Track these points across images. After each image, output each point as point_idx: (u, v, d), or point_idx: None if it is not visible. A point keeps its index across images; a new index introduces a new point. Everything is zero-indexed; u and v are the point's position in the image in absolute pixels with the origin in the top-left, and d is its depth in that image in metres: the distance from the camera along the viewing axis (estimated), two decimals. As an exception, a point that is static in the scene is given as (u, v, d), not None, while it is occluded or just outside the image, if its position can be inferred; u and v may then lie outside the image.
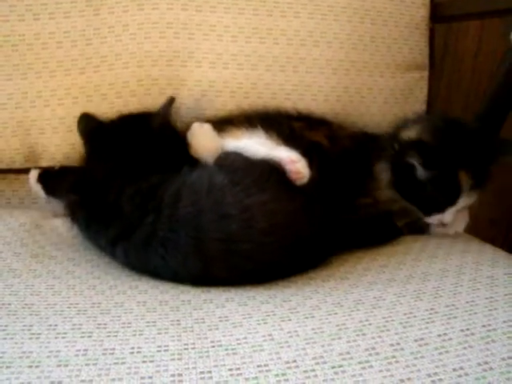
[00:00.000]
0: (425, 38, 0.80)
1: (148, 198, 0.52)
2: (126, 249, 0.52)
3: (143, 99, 0.71)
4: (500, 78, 0.67)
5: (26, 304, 0.45)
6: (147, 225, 0.50)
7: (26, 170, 0.72)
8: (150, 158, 0.58)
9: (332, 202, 0.61)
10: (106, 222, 0.53)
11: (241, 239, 0.50)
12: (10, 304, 0.45)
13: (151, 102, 0.71)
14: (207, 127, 0.59)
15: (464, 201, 0.61)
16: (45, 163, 0.71)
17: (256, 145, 0.56)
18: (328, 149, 0.67)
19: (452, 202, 0.61)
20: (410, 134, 0.63)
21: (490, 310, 0.43)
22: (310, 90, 0.74)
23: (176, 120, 0.72)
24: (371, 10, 0.75)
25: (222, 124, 0.64)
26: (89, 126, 0.61)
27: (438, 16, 0.80)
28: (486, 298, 0.45)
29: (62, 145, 0.70)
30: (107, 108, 0.70)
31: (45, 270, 0.52)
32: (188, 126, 0.62)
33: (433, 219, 0.63)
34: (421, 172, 0.59)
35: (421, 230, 0.67)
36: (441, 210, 0.62)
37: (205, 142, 0.58)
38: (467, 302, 0.45)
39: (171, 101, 0.65)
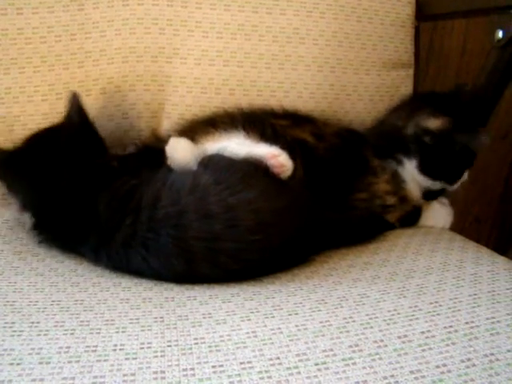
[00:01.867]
0: (410, 36, 0.80)
1: (125, 200, 0.51)
2: (108, 254, 0.51)
3: (128, 95, 0.70)
4: (483, 78, 0.68)
5: (7, 301, 0.44)
6: (126, 227, 0.50)
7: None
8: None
9: (321, 199, 0.61)
10: (81, 233, 0.52)
11: (225, 238, 0.49)
12: (-10, 302, 0.44)
13: (136, 98, 0.71)
14: (184, 142, 0.59)
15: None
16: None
17: (236, 145, 0.56)
18: (314, 146, 0.67)
19: (472, 162, 0.67)
20: (436, 124, 0.64)
21: (473, 307, 0.44)
22: (296, 87, 0.74)
23: (161, 116, 0.72)
24: (357, 7, 0.76)
25: (205, 125, 0.64)
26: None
27: (423, 14, 0.81)
28: (470, 296, 0.46)
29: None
30: (92, 104, 0.69)
31: (27, 267, 0.52)
32: (168, 137, 0.62)
33: (456, 185, 0.68)
34: (479, 139, 0.64)
35: (412, 222, 0.69)
36: (462, 174, 0.68)
37: (183, 155, 0.58)
38: (450, 299, 0.45)
39: (75, 97, 0.61)
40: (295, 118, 0.71)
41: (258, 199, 0.52)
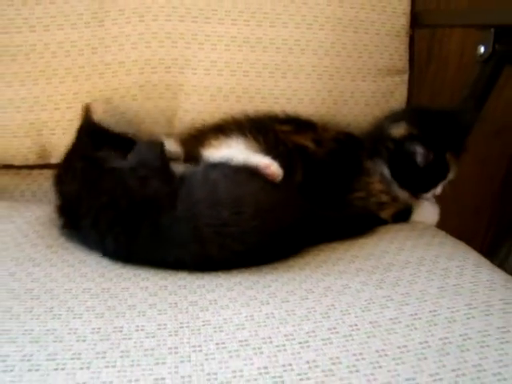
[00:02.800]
0: (405, 44, 0.86)
1: (145, 201, 0.59)
2: (131, 251, 0.59)
3: (144, 103, 0.78)
4: (467, 90, 0.74)
5: (46, 289, 0.53)
6: (148, 226, 0.58)
7: (38, 166, 0.80)
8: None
9: (322, 198, 0.70)
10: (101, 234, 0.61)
11: (231, 224, 0.58)
12: (32, 289, 0.53)
13: (151, 105, 0.78)
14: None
15: (451, 174, 0.72)
16: (55, 160, 0.79)
17: (236, 154, 0.64)
18: (314, 151, 0.75)
19: (444, 177, 0.72)
20: (399, 131, 0.71)
21: (438, 298, 0.51)
22: (297, 94, 0.81)
23: (175, 121, 0.80)
24: (354, 19, 0.82)
25: (214, 132, 0.72)
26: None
27: (418, 23, 0.86)
28: (437, 288, 0.53)
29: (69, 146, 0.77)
30: (112, 111, 0.77)
31: (60, 259, 0.60)
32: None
33: (430, 194, 0.74)
34: (421, 159, 0.69)
35: (404, 218, 0.76)
36: (435, 185, 0.73)
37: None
38: (420, 291, 0.52)
39: (86, 109, 0.71)
40: (297, 124, 0.78)
41: (258, 192, 0.62)
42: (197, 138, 0.74)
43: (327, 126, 0.81)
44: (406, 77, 0.87)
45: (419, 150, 0.67)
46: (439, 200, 0.80)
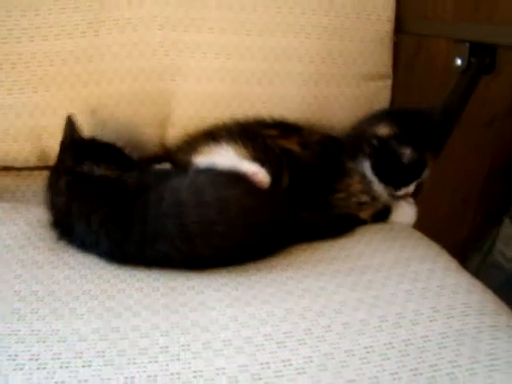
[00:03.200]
0: (388, 50, 0.89)
1: (133, 208, 0.64)
2: (123, 252, 0.64)
3: (138, 108, 0.82)
4: (445, 98, 0.78)
5: (50, 291, 0.58)
6: (138, 228, 0.63)
7: (38, 168, 0.84)
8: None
9: (306, 200, 0.75)
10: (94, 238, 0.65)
11: (217, 222, 0.63)
12: (37, 291, 0.58)
13: (145, 110, 0.83)
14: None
15: (426, 173, 0.76)
16: (53, 162, 0.83)
17: (225, 160, 0.69)
18: (299, 154, 0.79)
19: (419, 175, 0.76)
20: (384, 130, 0.75)
21: (406, 301, 0.56)
22: (284, 100, 0.85)
23: (167, 126, 0.84)
24: (339, 27, 0.85)
25: (205, 138, 0.76)
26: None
27: (401, 30, 0.90)
28: (405, 291, 0.58)
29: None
30: (107, 116, 0.81)
31: (61, 261, 0.65)
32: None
33: (402, 191, 0.77)
34: (406, 155, 0.73)
35: (383, 218, 0.81)
36: (409, 183, 0.77)
37: None
38: (390, 294, 0.58)
39: (69, 120, 0.74)
40: (284, 128, 0.83)
41: (242, 194, 0.67)
42: (188, 145, 0.78)
43: (313, 130, 0.85)
44: (389, 82, 0.91)
45: (406, 150, 0.72)
46: (426, 190, 0.83)
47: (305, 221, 0.74)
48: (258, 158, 0.71)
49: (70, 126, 0.74)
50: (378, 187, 0.78)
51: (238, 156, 0.71)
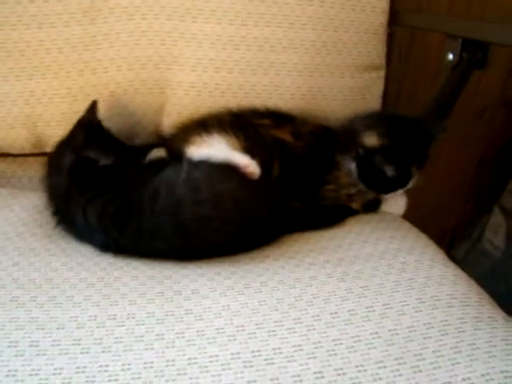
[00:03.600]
0: (382, 41, 0.90)
1: (129, 200, 0.65)
2: (118, 246, 0.65)
3: (134, 97, 0.83)
4: (437, 92, 0.80)
5: (47, 279, 0.59)
6: (133, 223, 0.64)
7: (34, 154, 0.85)
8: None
9: (297, 190, 0.77)
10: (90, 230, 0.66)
11: (212, 218, 0.64)
12: (35, 279, 0.59)
13: (140, 99, 0.83)
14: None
15: (412, 183, 0.77)
16: (49, 149, 0.83)
17: (217, 152, 0.70)
18: (292, 145, 0.80)
19: (405, 185, 0.77)
20: (371, 141, 0.75)
21: (393, 291, 0.58)
22: (278, 90, 0.86)
23: (162, 115, 0.85)
24: (334, 18, 0.85)
25: (197, 128, 0.77)
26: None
27: (396, 22, 0.90)
28: (393, 282, 0.60)
29: (64, 135, 0.82)
30: (103, 104, 0.81)
31: (58, 248, 0.66)
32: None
33: (389, 196, 0.80)
34: (389, 172, 0.74)
35: (373, 208, 0.83)
36: (393, 191, 0.78)
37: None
38: (377, 285, 0.60)
39: (93, 104, 0.75)
40: (277, 118, 0.84)
41: (237, 188, 0.68)
42: (181, 134, 0.79)
43: (306, 120, 0.86)
44: (382, 73, 0.92)
45: (388, 166, 0.73)
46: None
47: (297, 211, 0.75)
48: (249, 148, 0.72)
49: (92, 108, 0.75)
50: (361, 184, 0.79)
51: (229, 147, 0.72)
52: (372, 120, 0.80)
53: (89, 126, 0.74)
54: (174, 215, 0.63)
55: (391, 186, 0.77)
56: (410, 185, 0.77)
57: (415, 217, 0.84)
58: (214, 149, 0.71)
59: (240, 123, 0.78)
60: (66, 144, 0.74)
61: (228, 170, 0.69)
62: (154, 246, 0.64)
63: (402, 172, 0.74)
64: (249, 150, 0.72)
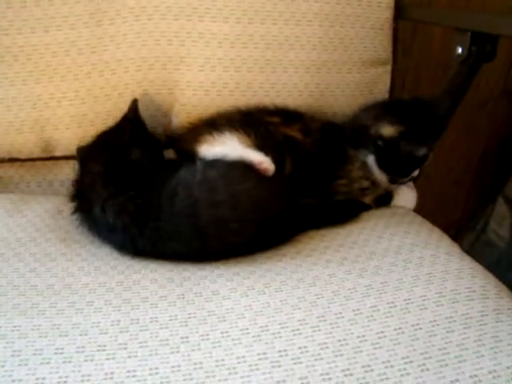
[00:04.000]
0: (388, 36, 0.90)
1: (148, 200, 0.65)
2: (136, 247, 0.65)
3: (142, 99, 0.82)
4: (445, 85, 0.80)
5: (65, 284, 0.59)
6: (152, 224, 0.63)
7: (42, 158, 0.85)
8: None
9: (309, 187, 0.77)
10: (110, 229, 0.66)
11: (230, 219, 0.64)
12: (53, 285, 0.59)
13: (149, 100, 0.83)
14: None
15: (428, 162, 0.78)
16: (58, 153, 0.84)
17: (231, 150, 0.70)
18: (302, 141, 0.80)
19: (423, 164, 0.78)
20: (388, 131, 0.75)
21: (412, 286, 0.59)
22: (286, 88, 0.86)
23: (171, 116, 0.85)
24: (340, 14, 0.85)
25: (207, 127, 0.76)
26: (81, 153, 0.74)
27: (401, 16, 0.90)
28: (412, 277, 0.61)
29: (73, 138, 0.81)
30: (111, 106, 0.81)
31: (74, 253, 0.66)
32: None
33: (407, 178, 0.80)
34: (421, 152, 0.75)
35: (385, 202, 0.83)
36: (413, 171, 0.79)
37: None
38: (397, 280, 0.60)
39: (134, 102, 0.77)
40: (286, 115, 0.83)
41: (253, 188, 0.67)
42: (191, 134, 0.79)
43: (314, 117, 0.86)
44: (389, 67, 0.92)
45: (417, 148, 0.74)
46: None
47: (311, 208, 0.75)
48: (261, 145, 0.72)
49: (134, 107, 0.76)
50: (380, 175, 0.80)
51: (241, 145, 0.72)
52: (381, 110, 0.80)
53: (133, 123, 0.75)
54: (191, 216, 0.63)
55: (412, 168, 0.77)
56: (428, 162, 0.77)
57: (420, 210, 0.85)
58: (227, 147, 0.71)
59: (250, 121, 0.78)
60: (110, 137, 0.75)
61: (243, 169, 0.69)
62: (172, 248, 0.64)
63: (430, 149, 0.75)
64: (261, 148, 0.72)
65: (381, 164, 0.77)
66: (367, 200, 0.82)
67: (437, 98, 0.83)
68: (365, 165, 0.80)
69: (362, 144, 0.79)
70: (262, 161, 0.69)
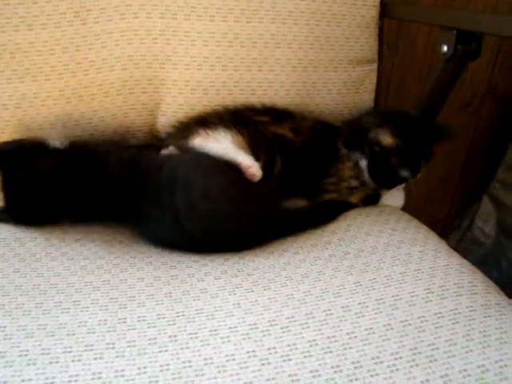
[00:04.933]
0: (374, 35, 0.91)
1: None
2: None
3: (128, 97, 0.81)
4: (431, 84, 0.80)
5: (51, 284, 0.58)
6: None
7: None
8: None
9: (297, 184, 0.77)
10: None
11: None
12: (39, 285, 0.58)
13: (135, 99, 0.82)
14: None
15: (420, 175, 0.79)
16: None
17: (221, 149, 0.70)
18: (292, 140, 0.80)
19: (413, 177, 0.79)
20: (386, 140, 0.76)
21: (401, 283, 0.59)
22: (273, 86, 0.86)
23: (157, 114, 0.84)
24: (326, 13, 0.85)
25: (197, 125, 0.76)
26: None
27: (386, 15, 0.91)
28: (400, 273, 0.61)
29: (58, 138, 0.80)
30: (97, 106, 0.80)
31: (59, 252, 0.65)
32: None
33: (397, 188, 0.82)
34: (404, 173, 0.77)
35: (373, 202, 0.83)
36: (403, 183, 0.81)
37: None
38: (385, 277, 0.60)
39: None
40: (275, 114, 0.83)
41: (229, 183, 0.69)
42: (179, 133, 0.79)
43: (305, 116, 0.87)
44: (375, 66, 0.93)
45: (403, 168, 0.76)
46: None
47: (296, 212, 0.76)
48: (253, 144, 0.72)
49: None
50: (369, 180, 0.80)
51: (234, 144, 0.72)
52: (381, 118, 0.80)
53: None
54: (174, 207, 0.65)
55: (400, 181, 0.78)
56: (418, 176, 0.78)
57: (406, 208, 0.85)
58: (220, 144, 0.71)
59: (240, 120, 0.78)
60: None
61: (224, 166, 0.69)
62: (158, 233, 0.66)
63: (414, 172, 0.76)
64: (252, 147, 0.72)
65: (370, 169, 0.78)
66: (354, 199, 0.82)
67: (437, 122, 0.84)
68: (356, 165, 0.80)
69: (357, 145, 0.79)
70: (249, 165, 0.69)
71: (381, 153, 0.76)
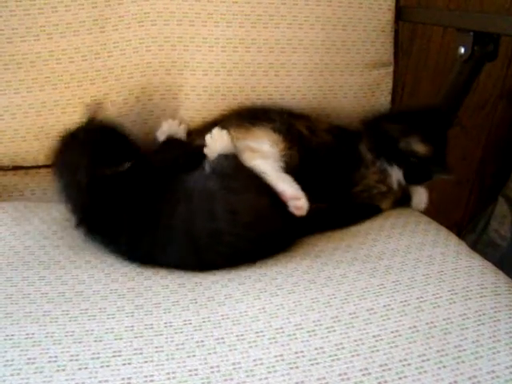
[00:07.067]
0: (390, 38, 0.91)
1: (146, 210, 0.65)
2: (137, 254, 0.65)
3: (147, 104, 0.82)
4: (448, 86, 0.80)
5: (76, 292, 0.59)
6: (149, 234, 0.64)
7: (46, 166, 0.84)
8: None
9: (324, 193, 0.74)
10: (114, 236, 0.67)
11: (227, 232, 0.63)
12: (64, 292, 0.58)
13: (153, 105, 0.83)
14: (224, 133, 0.72)
15: None
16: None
17: (266, 170, 0.68)
18: (308, 138, 0.80)
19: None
20: (422, 149, 0.76)
21: (424, 285, 0.59)
22: (290, 91, 0.86)
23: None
24: (342, 17, 0.86)
25: (238, 120, 0.78)
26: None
27: (402, 18, 0.91)
28: (423, 275, 0.61)
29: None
30: (116, 113, 0.81)
31: (83, 260, 0.66)
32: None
33: (421, 192, 0.84)
34: (443, 175, 0.78)
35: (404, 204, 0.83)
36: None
37: (220, 144, 0.71)
38: (408, 279, 0.60)
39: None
40: (291, 113, 0.84)
41: (254, 199, 0.66)
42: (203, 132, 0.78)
43: (320, 118, 0.87)
44: (391, 69, 0.93)
45: (444, 170, 0.78)
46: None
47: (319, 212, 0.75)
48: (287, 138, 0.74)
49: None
50: (394, 179, 0.80)
51: (274, 148, 0.72)
52: (403, 122, 0.79)
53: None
54: (187, 233, 0.63)
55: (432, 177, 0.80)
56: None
57: (423, 211, 0.85)
58: (264, 165, 0.69)
59: (269, 114, 0.79)
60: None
61: (245, 179, 0.68)
62: (166, 259, 0.64)
63: (449, 169, 0.78)
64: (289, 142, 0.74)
65: (408, 177, 0.78)
66: (386, 205, 0.81)
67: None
68: (383, 171, 0.79)
69: (387, 154, 0.79)
70: (297, 196, 0.65)
71: (419, 163, 0.76)
